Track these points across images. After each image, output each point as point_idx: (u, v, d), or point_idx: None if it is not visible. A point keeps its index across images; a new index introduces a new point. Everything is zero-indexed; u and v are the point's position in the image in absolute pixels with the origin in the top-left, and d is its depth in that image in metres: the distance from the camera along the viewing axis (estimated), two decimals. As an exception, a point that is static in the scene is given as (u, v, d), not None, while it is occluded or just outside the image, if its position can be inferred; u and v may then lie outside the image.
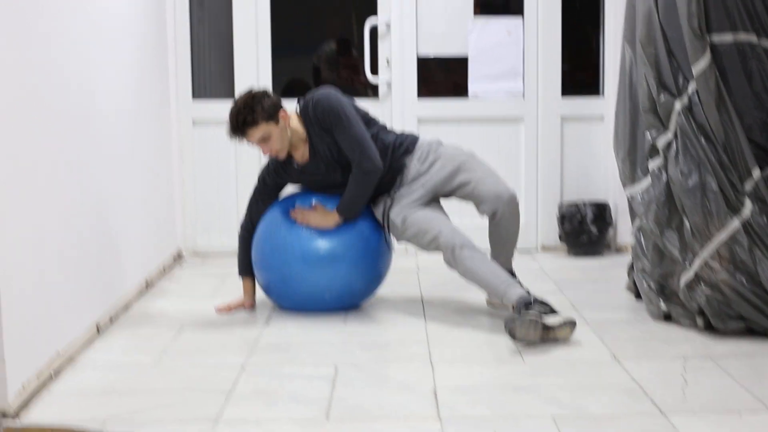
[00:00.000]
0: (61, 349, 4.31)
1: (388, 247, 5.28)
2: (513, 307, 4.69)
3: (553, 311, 4.62)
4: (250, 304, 5.31)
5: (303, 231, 5.07)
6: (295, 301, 5.19)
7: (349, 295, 5.19)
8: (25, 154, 3.92)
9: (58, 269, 4.32)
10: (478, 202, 5.08)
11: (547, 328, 4.51)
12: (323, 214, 5.11)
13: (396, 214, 5.13)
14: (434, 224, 5.02)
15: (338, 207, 5.10)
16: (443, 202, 5.32)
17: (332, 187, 5.18)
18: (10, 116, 3.77)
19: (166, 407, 3.79)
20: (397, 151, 5.20)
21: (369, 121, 5.20)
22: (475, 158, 5.22)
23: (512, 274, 5.16)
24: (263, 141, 4.98)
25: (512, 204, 5.04)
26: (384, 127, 5.27)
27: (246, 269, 5.31)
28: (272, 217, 5.19)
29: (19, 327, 3.81)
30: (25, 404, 3.83)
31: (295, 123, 5.10)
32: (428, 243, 5.03)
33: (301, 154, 5.14)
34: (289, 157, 5.17)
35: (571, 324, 4.61)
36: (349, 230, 5.13)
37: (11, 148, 3.77)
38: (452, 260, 4.94)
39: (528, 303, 4.63)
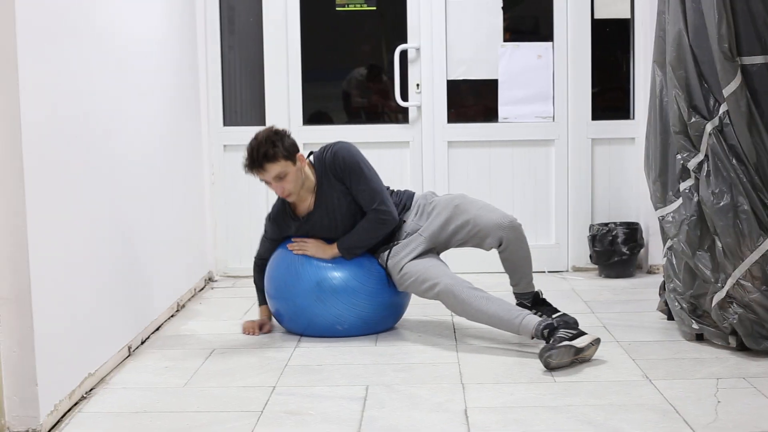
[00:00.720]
0: (93, 370, 4.33)
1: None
2: (533, 336, 4.67)
3: (576, 330, 4.59)
4: (269, 329, 5.30)
5: (317, 263, 5.09)
6: (308, 332, 5.19)
7: (364, 328, 5.18)
8: (57, 179, 3.96)
9: (90, 292, 4.34)
10: (482, 237, 5.07)
11: (578, 351, 4.49)
12: (321, 245, 5.16)
13: (393, 265, 5.13)
14: (432, 272, 5.01)
15: (340, 242, 5.12)
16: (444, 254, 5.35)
17: (333, 237, 5.19)
18: (42, 146, 3.81)
19: (196, 428, 3.80)
20: (398, 207, 5.25)
21: None
22: (468, 198, 5.23)
23: (537, 294, 5.15)
24: (279, 179, 4.97)
25: (515, 228, 5.03)
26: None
27: (262, 296, 5.39)
28: (285, 250, 5.23)
29: (51, 348, 3.83)
30: (57, 425, 3.86)
31: (308, 171, 5.12)
32: (426, 290, 5.01)
33: (308, 205, 5.17)
34: (293, 209, 5.20)
35: (597, 342, 4.59)
36: (363, 262, 5.15)
37: (44, 172, 3.80)
38: (456, 304, 4.91)
39: (550, 327, 4.60)
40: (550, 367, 4.43)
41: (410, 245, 5.14)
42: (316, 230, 5.17)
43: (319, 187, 5.13)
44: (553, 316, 5.01)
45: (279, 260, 5.21)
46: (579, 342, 4.49)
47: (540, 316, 4.98)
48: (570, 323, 4.77)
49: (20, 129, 3.60)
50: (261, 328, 5.27)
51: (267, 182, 5.03)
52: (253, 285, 5.46)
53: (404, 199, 5.30)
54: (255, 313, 5.64)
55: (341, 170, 5.09)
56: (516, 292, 5.16)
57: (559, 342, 4.46)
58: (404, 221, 5.23)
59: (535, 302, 5.13)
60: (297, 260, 5.12)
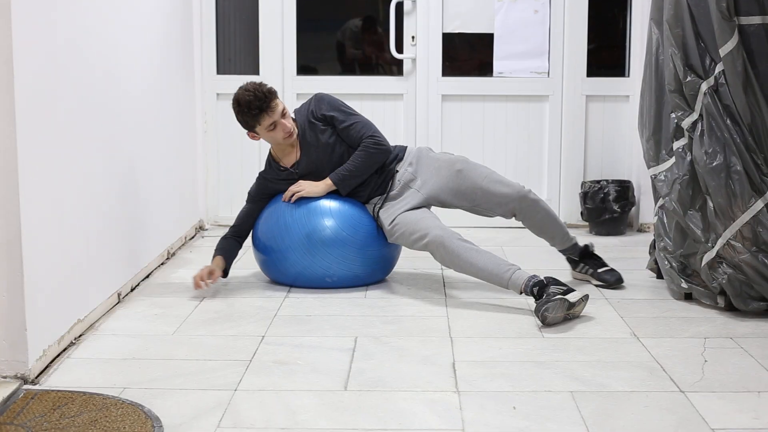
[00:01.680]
0: (83, 316, 4.33)
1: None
2: (522, 292, 4.66)
3: (565, 286, 4.59)
4: (216, 276, 5.11)
5: (306, 215, 5.08)
6: (297, 284, 5.19)
7: (353, 280, 5.18)
8: (49, 126, 3.94)
9: (80, 238, 4.34)
10: (488, 208, 5.17)
11: (571, 306, 4.50)
12: (313, 182, 5.14)
13: (385, 215, 5.14)
14: (422, 224, 4.99)
15: (332, 174, 5.13)
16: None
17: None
18: (35, 90, 3.78)
19: (185, 376, 3.81)
20: (391, 156, 5.26)
21: None
22: (470, 163, 5.22)
23: (585, 247, 5.28)
24: (284, 115, 5.02)
25: (524, 198, 5.09)
26: None
27: (220, 251, 5.23)
28: (278, 200, 5.21)
29: (41, 294, 3.83)
30: (45, 370, 3.86)
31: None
32: (415, 241, 5.00)
33: (294, 157, 5.18)
34: (278, 164, 5.22)
35: (586, 298, 4.61)
36: (354, 214, 5.14)
37: (36, 120, 3.78)
38: (445, 256, 4.89)
39: (540, 284, 4.58)
40: (546, 322, 4.43)
41: (405, 199, 5.14)
42: (312, 171, 5.18)
43: (303, 137, 5.14)
44: (598, 270, 5.17)
45: (268, 214, 5.20)
46: (571, 297, 4.50)
47: (587, 270, 5.22)
48: (557, 280, 4.75)
49: (12, 73, 3.56)
50: (210, 275, 5.06)
51: (274, 125, 5.01)
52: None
53: (396, 150, 5.30)
54: (245, 262, 5.63)
55: (327, 111, 5.13)
56: (559, 250, 5.28)
57: (552, 296, 4.48)
58: (397, 171, 5.23)
59: (582, 255, 5.25)
60: (286, 212, 5.11)
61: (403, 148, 5.34)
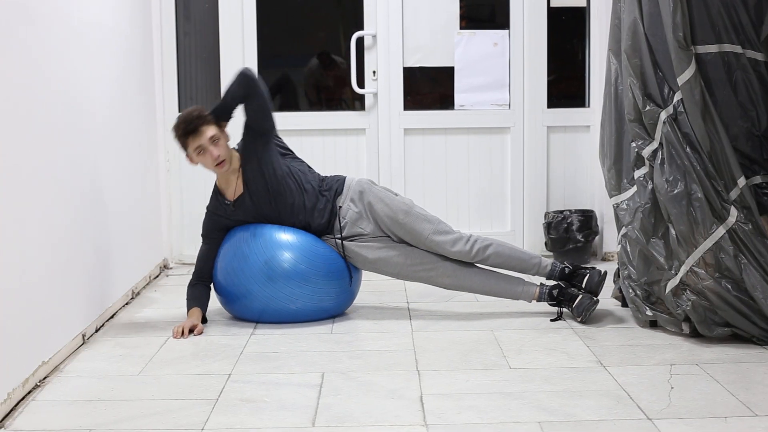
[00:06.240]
0: (47, 358, 4.29)
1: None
2: (537, 299, 5.22)
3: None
4: (200, 330, 5.04)
5: (263, 243, 5.09)
6: (263, 317, 5.18)
7: (317, 305, 5.16)
8: (11, 162, 3.92)
9: (43, 279, 4.30)
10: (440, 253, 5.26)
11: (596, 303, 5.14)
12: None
13: (359, 247, 5.21)
14: (425, 257, 5.21)
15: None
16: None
17: (267, 219, 5.19)
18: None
19: (151, 416, 3.78)
20: (330, 192, 5.27)
21: (290, 153, 5.34)
22: (411, 214, 5.23)
23: (562, 270, 5.33)
24: (213, 142, 5.03)
25: (473, 258, 5.21)
26: (308, 166, 5.38)
27: (193, 301, 5.20)
28: (234, 234, 5.21)
29: (4, 336, 3.80)
30: (10, 413, 3.82)
31: (232, 150, 5.18)
32: (417, 271, 5.20)
33: (235, 187, 5.18)
34: (223, 197, 5.22)
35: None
36: (314, 245, 5.15)
37: (-4, 156, 3.77)
38: (456, 281, 5.23)
39: (559, 287, 5.18)
40: (585, 322, 5.06)
41: (368, 234, 5.21)
42: (251, 208, 5.18)
43: (244, 166, 5.15)
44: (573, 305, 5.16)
45: (224, 250, 5.19)
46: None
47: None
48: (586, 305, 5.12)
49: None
50: (191, 330, 5.00)
51: (200, 149, 5.02)
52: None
53: (335, 185, 5.30)
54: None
55: (256, 129, 5.16)
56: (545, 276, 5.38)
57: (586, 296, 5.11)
58: (340, 206, 5.24)
59: (561, 278, 5.31)
60: (243, 242, 5.10)
61: (341, 181, 5.33)
